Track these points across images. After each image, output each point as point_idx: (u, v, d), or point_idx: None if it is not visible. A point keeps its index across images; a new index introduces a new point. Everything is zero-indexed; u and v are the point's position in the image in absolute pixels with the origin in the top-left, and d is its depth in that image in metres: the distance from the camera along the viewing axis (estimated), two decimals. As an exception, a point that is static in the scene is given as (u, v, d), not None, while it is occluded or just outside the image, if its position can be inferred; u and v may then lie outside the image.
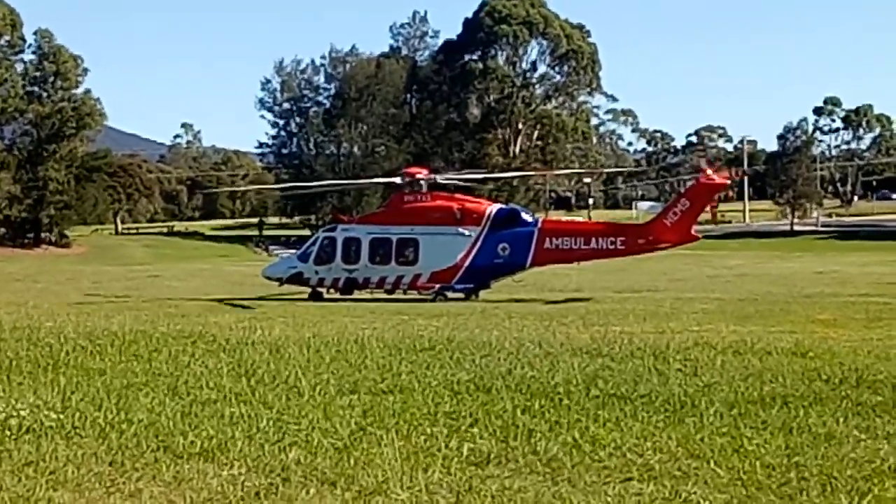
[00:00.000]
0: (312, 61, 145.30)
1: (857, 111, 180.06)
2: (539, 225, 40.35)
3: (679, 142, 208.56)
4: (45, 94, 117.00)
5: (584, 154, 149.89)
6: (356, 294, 39.33)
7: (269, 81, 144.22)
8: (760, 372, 14.31)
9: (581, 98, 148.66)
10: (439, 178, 43.34)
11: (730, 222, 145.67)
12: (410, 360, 15.73)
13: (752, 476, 8.63)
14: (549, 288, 43.30)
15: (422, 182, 40.56)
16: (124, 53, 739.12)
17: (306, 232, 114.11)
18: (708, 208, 43.69)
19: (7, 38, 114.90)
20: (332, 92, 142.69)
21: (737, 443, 9.84)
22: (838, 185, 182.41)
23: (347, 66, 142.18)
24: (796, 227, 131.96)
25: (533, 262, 39.35)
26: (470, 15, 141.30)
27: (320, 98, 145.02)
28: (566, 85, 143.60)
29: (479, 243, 38.86)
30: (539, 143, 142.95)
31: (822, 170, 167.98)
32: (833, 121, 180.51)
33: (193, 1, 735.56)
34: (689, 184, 55.12)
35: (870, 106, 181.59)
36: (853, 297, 35.64)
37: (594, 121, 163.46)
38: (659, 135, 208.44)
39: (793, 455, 9.33)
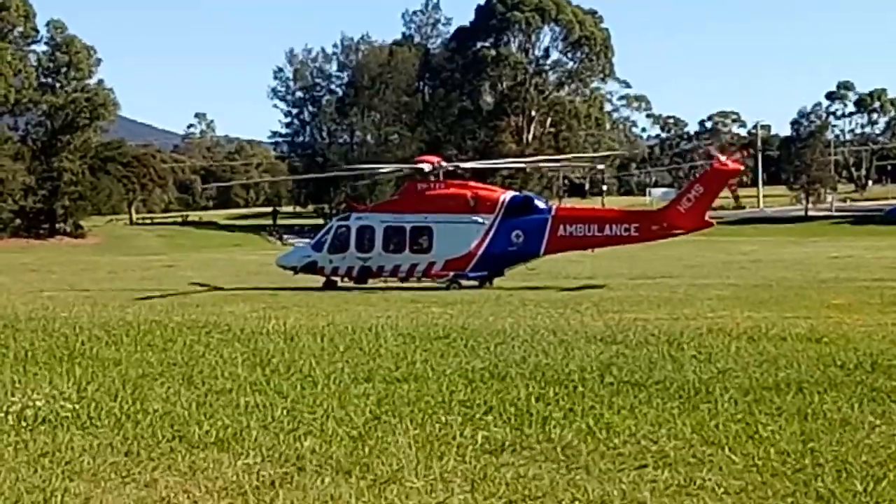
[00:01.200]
0: (323, 49, 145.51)
1: (870, 95, 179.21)
2: (553, 212, 40.29)
3: (693, 127, 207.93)
4: (58, 85, 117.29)
5: (598, 141, 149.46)
6: (370, 283, 39.33)
7: (281, 70, 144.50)
8: (775, 358, 14.30)
9: (594, 84, 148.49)
10: (449, 167, 43.24)
11: (744, 208, 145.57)
12: (425, 349, 15.74)
13: (766, 462, 8.63)
14: (563, 275, 43.26)
15: (436, 170, 40.55)
16: (137, 44, 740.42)
17: (320, 221, 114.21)
18: (730, 192, 43.91)
19: (20, 29, 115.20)
20: (345, 80, 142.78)
21: (752, 429, 9.83)
22: (852, 169, 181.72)
23: (360, 54, 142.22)
24: (811, 213, 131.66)
25: (547, 249, 39.28)
26: (482, 2, 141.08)
27: (333, 86, 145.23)
28: (579, 71, 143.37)
29: (492, 231, 38.81)
30: (552, 129, 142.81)
31: (836, 154, 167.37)
32: (846, 105, 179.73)
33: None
34: (702, 169, 55.11)
35: (883, 90, 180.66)
36: (868, 282, 35.55)
37: (607, 107, 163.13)
38: (672, 121, 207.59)
39: (808, 441, 9.32)
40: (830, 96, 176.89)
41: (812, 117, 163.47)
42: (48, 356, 15.27)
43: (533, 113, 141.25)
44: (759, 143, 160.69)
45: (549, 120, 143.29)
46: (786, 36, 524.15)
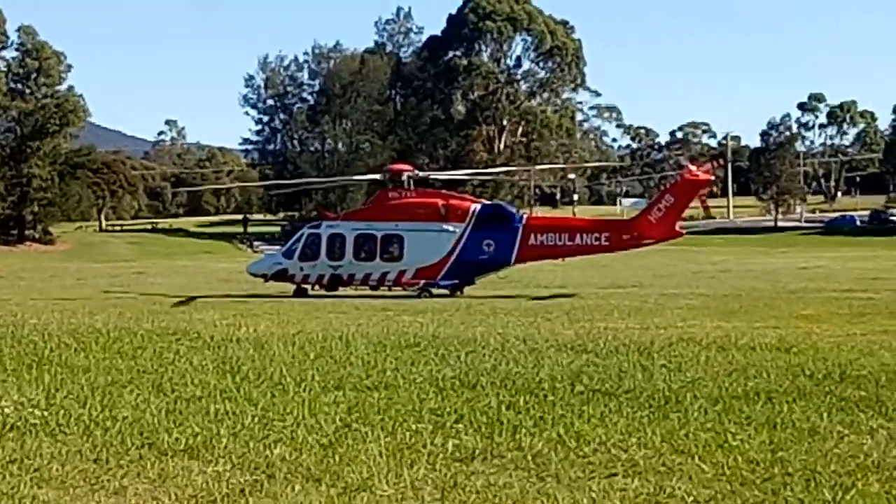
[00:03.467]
0: (296, 57, 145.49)
1: (840, 107, 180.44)
2: (523, 221, 40.36)
3: (663, 138, 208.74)
4: (28, 91, 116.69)
5: (569, 150, 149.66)
6: (341, 290, 39.29)
7: (252, 78, 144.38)
8: (744, 368, 14.36)
9: (565, 94, 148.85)
10: (420, 174, 43.22)
11: (714, 218, 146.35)
12: (395, 357, 15.74)
13: (736, 471, 8.66)
14: (533, 284, 43.29)
15: (407, 179, 40.53)
16: (108, 50, 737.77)
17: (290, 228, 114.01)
18: (698, 203, 44.11)
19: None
20: (316, 88, 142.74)
21: (721, 438, 9.86)
22: (822, 180, 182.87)
23: (331, 62, 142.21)
24: (780, 223, 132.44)
25: (517, 258, 39.34)
26: (454, 11, 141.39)
27: (304, 94, 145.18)
28: (550, 81, 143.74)
29: (463, 240, 38.84)
30: (523, 139, 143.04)
31: (805, 166, 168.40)
32: (817, 117, 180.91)
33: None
34: (673, 180, 55.34)
35: (853, 102, 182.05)
36: (837, 293, 35.73)
37: (578, 117, 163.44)
38: (643, 131, 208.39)
39: (777, 450, 9.36)
40: (801, 107, 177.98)
41: (782, 128, 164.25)
42: (17, 363, 15.19)
43: (504, 122, 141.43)
44: (729, 154, 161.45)
45: (520, 129, 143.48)
46: (757, 47, 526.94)
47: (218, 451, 9.50)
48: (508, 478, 8.53)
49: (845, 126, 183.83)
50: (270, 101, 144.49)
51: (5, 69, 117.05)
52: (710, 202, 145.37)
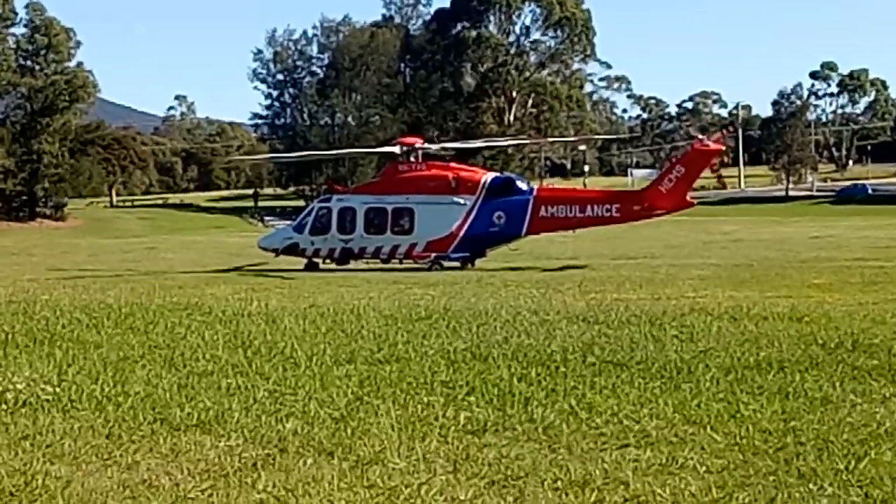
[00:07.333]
0: (304, 32, 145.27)
1: (852, 75, 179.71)
2: (534, 193, 40.31)
3: (674, 108, 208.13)
4: (37, 68, 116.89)
5: (579, 122, 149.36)
6: (352, 264, 39.30)
7: (261, 52, 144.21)
8: (756, 337, 14.33)
9: (575, 66, 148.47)
10: (433, 148, 43.19)
11: (725, 188, 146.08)
12: (407, 330, 15.73)
13: (748, 441, 8.63)
14: (545, 256, 43.28)
15: (417, 152, 40.47)
16: (117, 25, 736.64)
17: (301, 203, 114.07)
18: (712, 173, 44.31)
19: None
20: (325, 62, 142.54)
21: (733, 408, 9.83)
22: (833, 149, 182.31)
23: (340, 35, 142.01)
24: (791, 192, 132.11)
25: (528, 230, 39.31)
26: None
27: (314, 68, 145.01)
28: (560, 52, 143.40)
29: (474, 212, 38.80)
30: (533, 111, 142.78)
31: (816, 134, 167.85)
32: (828, 85, 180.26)
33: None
34: (684, 150, 55.23)
35: (865, 70, 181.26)
36: (849, 262, 35.66)
37: (588, 87, 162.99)
38: (653, 101, 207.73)
39: (789, 420, 9.33)
40: (813, 76, 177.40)
41: (793, 98, 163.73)
42: (28, 339, 15.19)
43: (514, 94, 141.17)
44: (741, 124, 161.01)
45: (529, 101, 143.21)
46: (768, 16, 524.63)
47: (230, 425, 9.50)
48: (520, 450, 8.52)
49: (857, 95, 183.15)
50: (280, 76, 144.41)
51: (14, 46, 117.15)
52: (721, 171, 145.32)
